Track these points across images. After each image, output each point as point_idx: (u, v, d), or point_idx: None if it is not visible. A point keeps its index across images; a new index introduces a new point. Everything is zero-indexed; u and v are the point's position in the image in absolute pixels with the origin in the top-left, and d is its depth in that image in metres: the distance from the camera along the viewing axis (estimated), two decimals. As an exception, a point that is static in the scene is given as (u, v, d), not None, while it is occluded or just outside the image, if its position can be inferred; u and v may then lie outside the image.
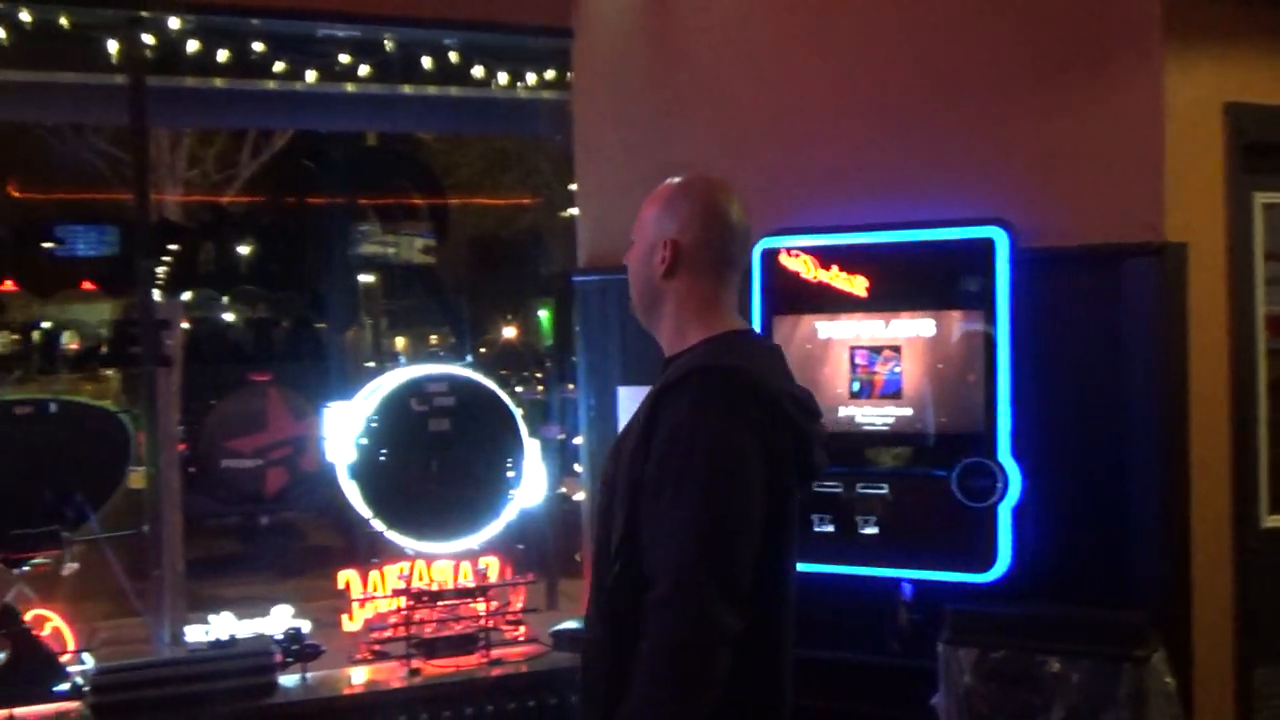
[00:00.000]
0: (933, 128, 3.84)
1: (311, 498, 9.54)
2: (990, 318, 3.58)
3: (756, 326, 3.93)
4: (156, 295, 4.54)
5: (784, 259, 3.90)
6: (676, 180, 2.04)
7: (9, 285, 4.15)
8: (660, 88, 4.31)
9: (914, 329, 3.72)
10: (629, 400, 4.32)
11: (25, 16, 4.00)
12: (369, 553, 9.41)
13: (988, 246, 3.58)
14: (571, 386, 7.13)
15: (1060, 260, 3.63)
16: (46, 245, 4.44)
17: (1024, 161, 3.72)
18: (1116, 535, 3.60)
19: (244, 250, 4.11)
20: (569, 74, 4.62)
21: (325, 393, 9.19)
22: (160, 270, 4.23)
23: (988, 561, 3.57)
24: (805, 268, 3.88)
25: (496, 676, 4.09)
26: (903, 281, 3.74)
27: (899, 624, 3.79)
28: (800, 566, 3.81)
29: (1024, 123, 3.74)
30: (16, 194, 11.16)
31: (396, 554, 4.29)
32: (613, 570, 1.84)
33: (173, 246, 4.33)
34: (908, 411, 3.72)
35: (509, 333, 18.84)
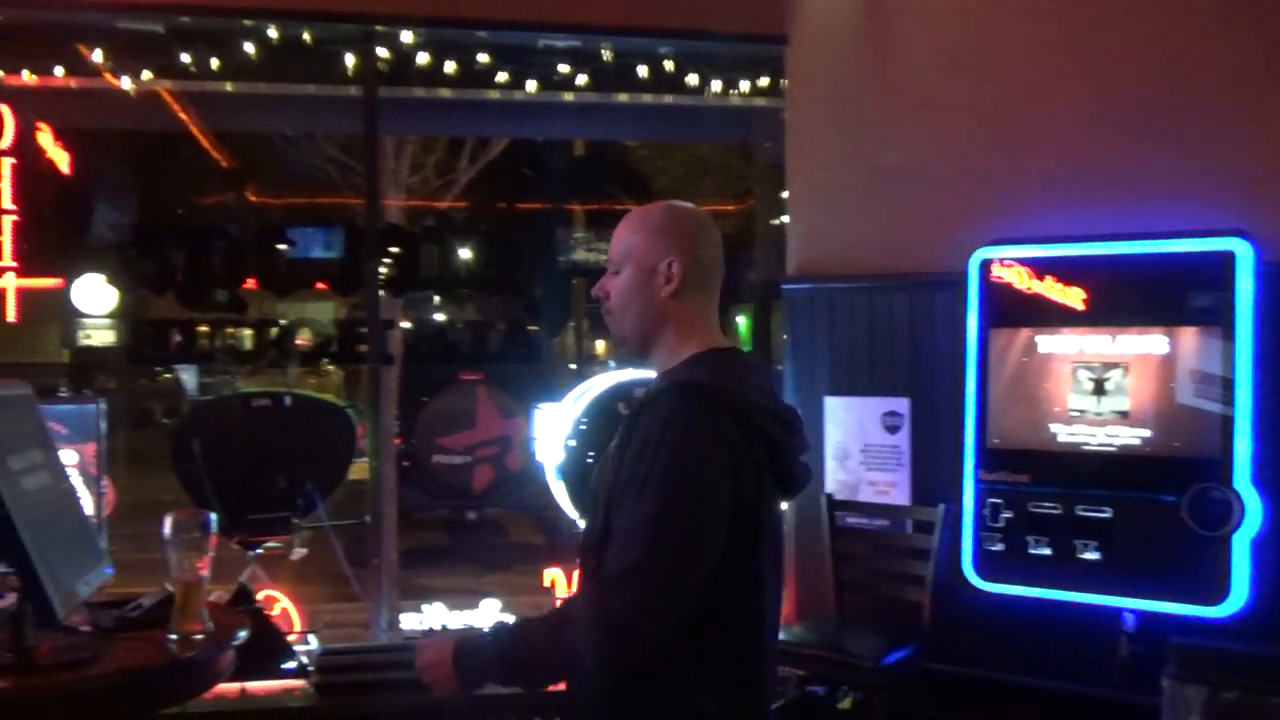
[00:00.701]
0: (1166, 132, 3.64)
1: (516, 495, 9.82)
2: (1229, 335, 3.37)
3: (971, 339, 3.82)
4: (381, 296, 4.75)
5: (998, 270, 3.78)
6: (656, 206, 2.05)
7: (250, 284, 4.43)
8: (875, 93, 4.23)
9: (1143, 345, 3.53)
10: (838, 410, 4.27)
11: (273, 33, 4.26)
12: (571, 551, 9.61)
13: (1228, 259, 3.37)
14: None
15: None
16: (280, 247, 4.71)
17: (1267, 168, 3.48)
18: (1369, 573, 3.33)
19: (464, 254, 4.26)
20: (782, 81, 4.59)
21: (535, 394, 9.48)
22: (384, 272, 4.44)
23: (1220, 595, 3.35)
24: (1020, 279, 3.74)
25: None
26: (1131, 295, 3.56)
27: (1119, 656, 3.61)
28: (1013, 590, 3.71)
29: (1267, 127, 3.50)
30: (253, 199, 11.91)
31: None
32: (592, 563, 1.84)
33: (394, 249, 4.51)
34: (1134, 431, 3.53)
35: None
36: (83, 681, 1.99)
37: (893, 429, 4.16)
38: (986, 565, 3.76)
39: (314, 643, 4.17)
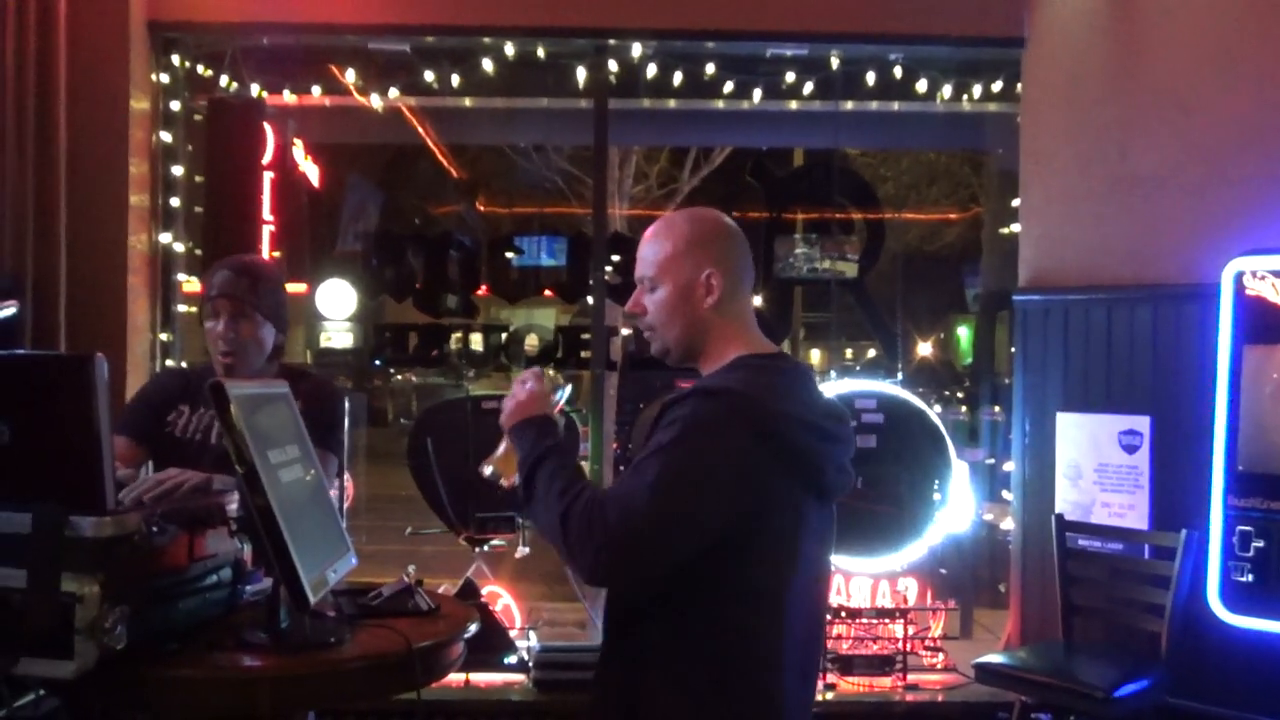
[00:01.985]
0: None
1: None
2: None
3: (1224, 356, 3.59)
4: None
5: (1252, 282, 3.54)
6: (681, 217, 2.08)
7: (483, 290, 4.63)
8: (1118, 96, 4.04)
9: None
10: (1070, 427, 4.10)
11: (509, 50, 4.43)
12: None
13: None
14: (996, 408, 6.85)
15: None
16: (510, 255, 4.89)
17: None
18: None
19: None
20: (1016, 85, 4.44)
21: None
22: (608, 279, 4.56)
23: None
24: (1276, 292, 3.49)
25: (911, 702, 4.02)
26: None
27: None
28: (1262, 625, 3.48)
29: None
30: (483, 208, 12.40)
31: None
32: None
33: (616, 257, 4.61)
34: None
35: (925, 349, 18.44)
36: (328, 664, 2.11)
37: (1131, 449, 3.96)
38: (1234, 597, 3.53)
39: (534, 639, 4.29)
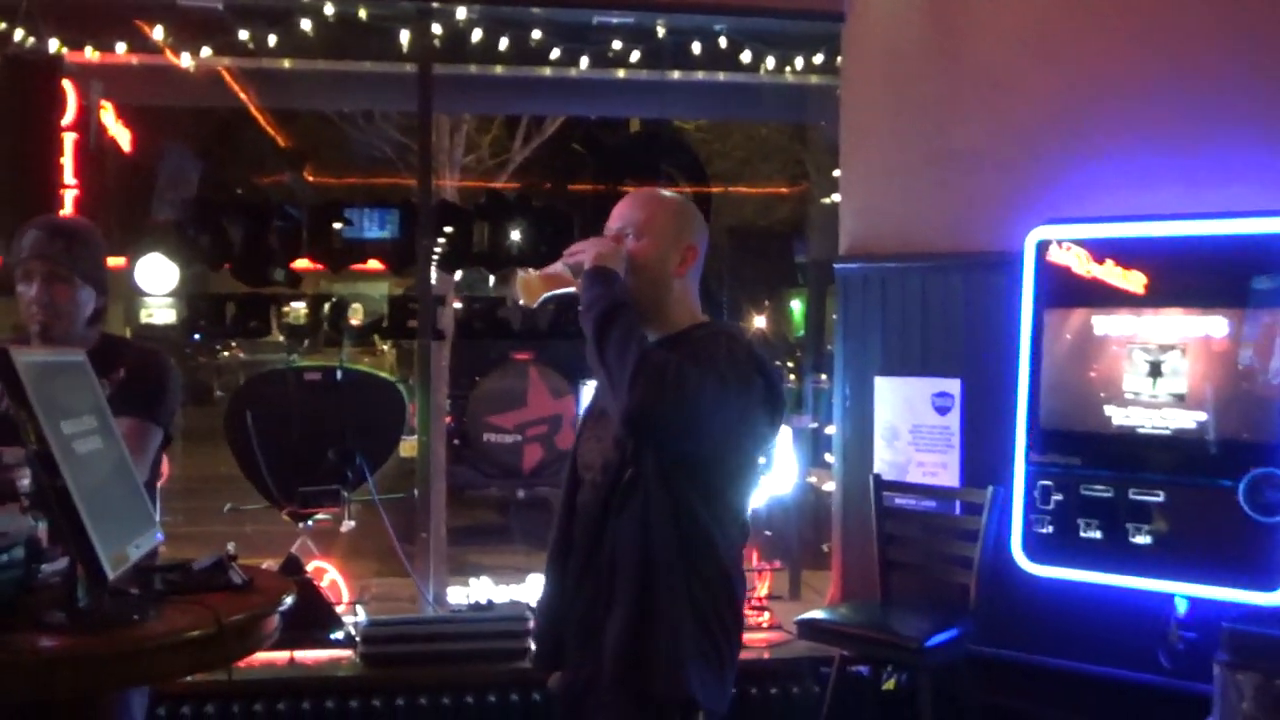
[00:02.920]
0: (1234, 113, 3.56)
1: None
2: (1294, 317, 3.30)
3: (1026, 320, 3.78)
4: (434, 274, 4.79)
5: (1055, 252, 3.72)
6: (671, 194, 2.38)
7: (308, 262, 4.48)
8: (935, 73, 4.18)
9: (1203, 328, 3.46)
10: (887, 391, 4.24)
11: (329, 9, 4.29)
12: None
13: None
14: (823, 376, 7.04)
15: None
16: (337, 226, 4.76)
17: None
18: None
19: (516, 233, 4.26)
20: (838, 59, 4.54)
21: (584, 372, 9.50)
22: (437, 250, 4.47)
23: (1275, 581, 3.29)
24: (1079, 261, 3.69)
25: (740, 660, 4.09)
26: (1193, 276, 3.49)
27: (1169, 642, 3.56)
28: (1064, 573, 3.69)
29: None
30: (312, 178, 12.03)
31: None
32: (625, 474, 2.13)
33: (448, 228, 4.53)
34: (1191, 415, 3.47)
35: (760, 322, 18.81)
36: (132, 642, 2.03)
37: (943, 410, 4.12)
38: (1036, 548, 3.73)
39: (361, 614, 4.23)
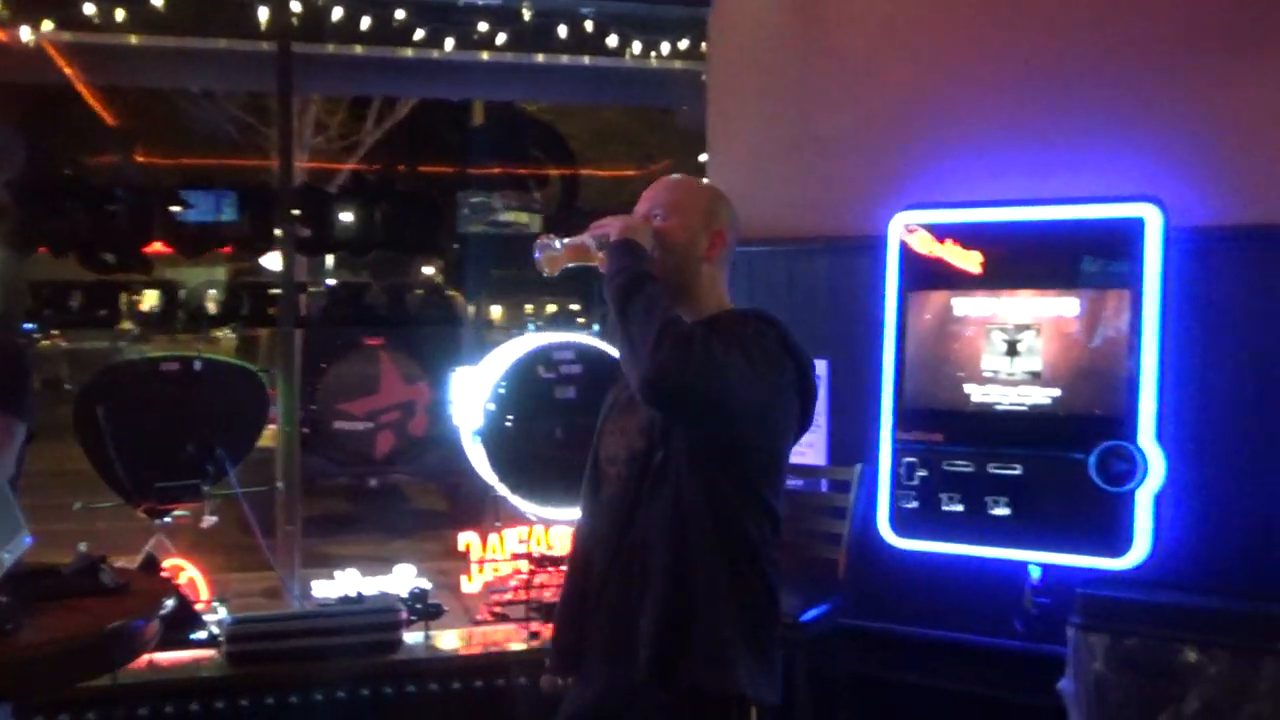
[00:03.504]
0: (1083, 103, 3.73)
1: (420, 461, 9.72)
2: (1137, 298, 3.49)
3: (890, 302, 3.89)
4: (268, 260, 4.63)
5: (905, 236, 3.85)
6: (700, 181, 2.45)
7: (159, 247, 4.26)
8: (800, 59, 4.26)
9: (1055, 308, 3.63)
10: (754, 373, 4.31)
11: (181, -16, 4.12)
12: (477, 516, 9.55)
13: (1139, 224, 3.48)
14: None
15: (1212, 240, 3.52)
16: (176, 209, 4.54)
17: (1179, 137, 3.60)
18: (1260, 526, 3.50)
19: (375, 216, 4.16)
20: (703, 45, 4.59)
21: (437, 358, 9.37)
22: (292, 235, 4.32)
23: (1123, 547, 3.49)
24: (923, 244, 3.82)
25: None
26: (1045, 258, 3.66)
27: (1024, 607, 3.73)
28: (928, 546, 3.83)
29: (1180, 97, 3.62)
30: (141, 159, 11.49)
31: (512, 517, 4.33)
32: (655, 458, 2.10)
33: (297, 211, 4.39)
34: (1045, 391, 3.64)
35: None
36: (6, 652, 1.93)
37: (810, 391, 4.21)
38: (902, 522, 3.85)
39: (222, 612, 4.09)
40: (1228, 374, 3.55)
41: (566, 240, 2.22)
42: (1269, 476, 3.51)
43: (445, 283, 4.47)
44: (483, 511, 9.91)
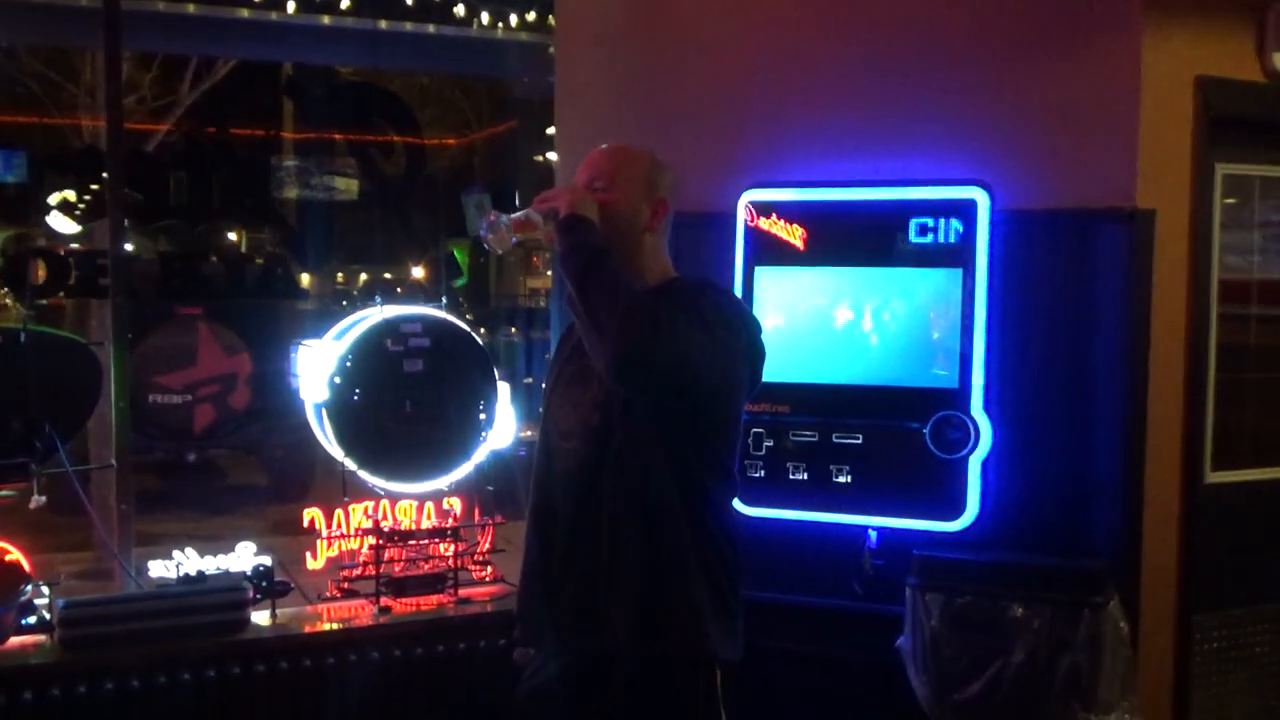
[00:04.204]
0: (920, 86, 3.91)
1: (240, 435, 9.43)
2: (970, 276, 3.70)
3: (738, 277, 4.00)
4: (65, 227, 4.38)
5: (755, 213, 3.97)
6: (642, 149, 2.47)
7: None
8: (646, 34, 4.31)
9: (892, 285, 3.81)
10: (603, 346, 4.36)
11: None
12: (298, 492, 9.34)
13: (970, 206, 3.69)
14: (514, 330, 7.14)
15: (1035, 222, 3.76)
16: None
17: (1005, 124, 3.83)
18: (1077, 488, 3.78)
19: (217, 183, 3.99)
20: (549, 17, 4.59)
21: (256, 328, 9.08)
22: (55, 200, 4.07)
23: (956, 511, 3.72)
24: (775, 222, 3.95)
25: (465, 615, 4.14)
26: (883, 237, 3.83)
27: (864, 570, 3.93)
28: (775, 513, 3.97)
29: (1006, 87, 3.84)
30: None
31: (363, 493, 4.27)
32: (615, 434, 2.15)
33: (95, 176, 4.17)
34: (885, 364, 3.82)
35: (417, 272, 18.67)
36: None
37: (658, 364, 4.29)
38: (749, 492, 3.98)
39: (47, 594, 3.89)
40: (1045, 347, 3.81)
41: (512, 216, 2.21)
42: (1082, 442, 3.79)
43: (284, 253, 4.32)
44: (304, 487, 9.72)
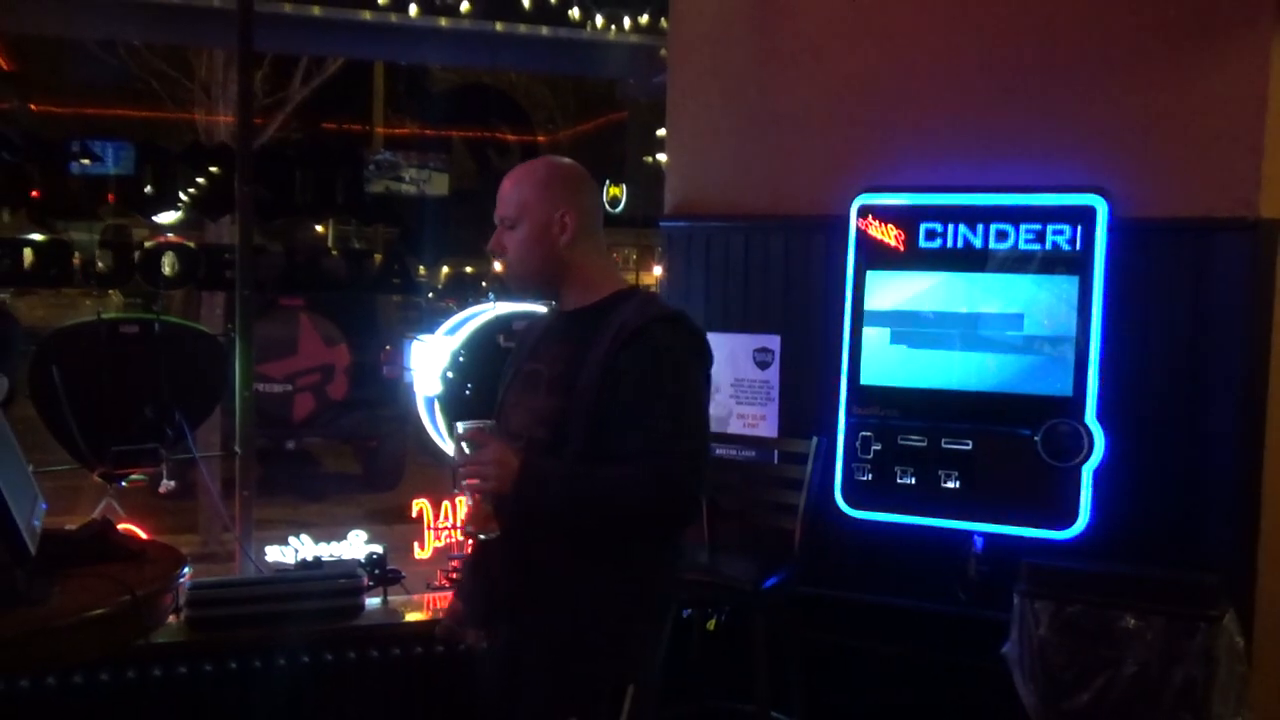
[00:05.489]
0: (1034, 94, 3.89)
1: (337, 425, 9.64)
2: (1086, 284, 3.67)
3: (849, 282, 4.02)
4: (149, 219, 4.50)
5: (865, 219, 3.98)
6: (539, 163, 2.31)
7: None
8: (760, 38, 4.33)
9: (1008, 292, 3.80)
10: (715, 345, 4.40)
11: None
12: (391, 480, 9.48)
13: (1088, 213, 3.67)
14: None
15: (1154, 230, 3.71)
16: (85, 160, 4.36)
17: (1125, 131, 3.79)
18: (1192, 499, 3.73)
19: (340, 180, 4.11)
20: (661, 20, 4.64)
21: (358, 321, 9.26)
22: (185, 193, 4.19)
23: (1068, 519, 3.69)
24: (889, 227, 3.96)
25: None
26: (1000, 244, 3.82)
27: (968, 575, 3.92)
28: (878, 516, 3.98)
29: (1126, 92, 3.79)
30: (34, 106, 11.03)
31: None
32: (567, 450, 2.13)
33: (214, 169, 4.30)
34: (996, 371, 3.81)
35: (498, 267, 18.83)
36: (39, 622, 1.93)
37: (764, 365, 4.34)
38: (856, 494, 4.00)
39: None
40: (1161, 356, 3.77)
41: (472, 528, 2.16)
42: (1197, 453, 3.73)
43: (403, 248, 4.43)
44: (396, 476, 9.88)
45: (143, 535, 4.13)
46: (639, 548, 2.18)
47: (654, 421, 2.04)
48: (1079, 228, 3.69)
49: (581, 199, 2.25)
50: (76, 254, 4.16)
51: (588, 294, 2.25)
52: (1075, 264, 3.70)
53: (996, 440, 3.79)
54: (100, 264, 3.99)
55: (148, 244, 4.09)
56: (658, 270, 4.51)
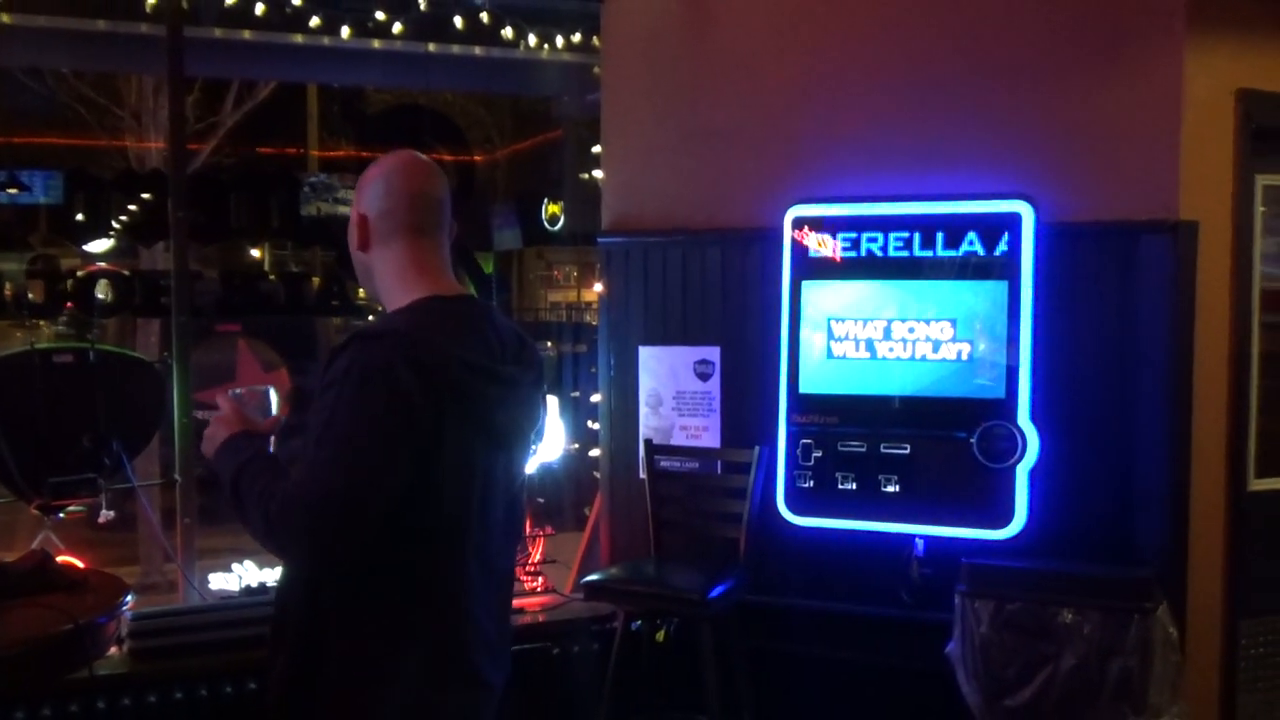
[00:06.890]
0: (962, 104, 3.98)
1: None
2: (1015, 288, 3.76)
3: (785, 293, 4.07)
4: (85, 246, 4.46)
5: (797, 231, 4.04)
6: (377, 163, 2.11)
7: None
8: (691, 55, 4.39)
9: (940, 298, 3.88)
10: (650, 359, 4.45)
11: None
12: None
13: (1015, 219, 3.76)
14: (550, 344, 7.23)
15: (1079, 235, 3.82)
16: (12, 191, 4.31)
17: (1049, 139, 3.89)
18: (1124, 496, 3.83)
19: (275, 204, 4.10)
20: (594, 38, 4.68)
21: (297, 345, 9.17)
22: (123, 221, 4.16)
23: (1005, 519, 3.77)
24: (821, 237, 4.02)
25: (519, 625, 4.21)
26: (930, 251, 3.90)
27: (911, 578, 3.98)
28: (821, 523, 4.02)
29: (1049, 102, 3.90)
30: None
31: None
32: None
33: (146, 195, 4.27)
34: (933, 375, 3.88)
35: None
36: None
37: (704, 376, 4.38)
38: (798, 501, 4.05)
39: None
40: (1090, 357, 3.86)
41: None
42: (1128, 450, 3.83)
43: (341, 270, 4.42)
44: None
45: (81, 566, 4.08)
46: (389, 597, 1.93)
47: (320, 443, 1.82)
48: (1006, 234, 3.78)
49: (376, 201, 2.03)
50: (8, 285, 4.12)
51: (393, 303, 2.02)
52: (1004, 269, 3.80)
53: (934, 444, 3.86)
54: (30, 294, 3.93)
55: (80, 273, 4.04)
56: (598, 287, 4.53)
